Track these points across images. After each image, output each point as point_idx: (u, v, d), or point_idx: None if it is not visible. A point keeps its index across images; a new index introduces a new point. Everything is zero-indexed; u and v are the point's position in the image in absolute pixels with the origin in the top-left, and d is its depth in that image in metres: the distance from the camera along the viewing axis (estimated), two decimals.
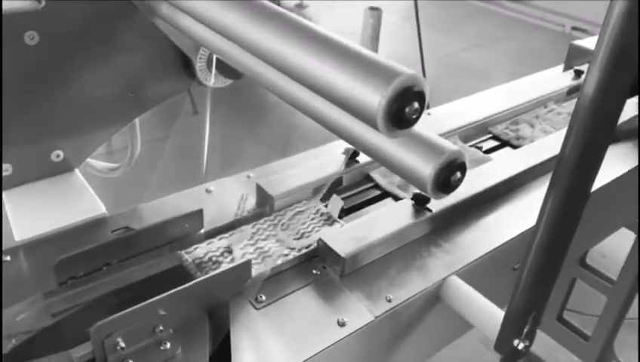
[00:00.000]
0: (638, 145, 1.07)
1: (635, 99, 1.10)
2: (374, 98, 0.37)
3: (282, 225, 0.77)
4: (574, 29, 4.87)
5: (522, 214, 0.85)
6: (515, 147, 1.04)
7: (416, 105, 0.38)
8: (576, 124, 0.48)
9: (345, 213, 0.83)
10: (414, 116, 0.39)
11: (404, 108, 0.38)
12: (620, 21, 0.45)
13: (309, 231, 0.76)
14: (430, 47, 4.29)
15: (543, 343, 1.87)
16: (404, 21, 4.46)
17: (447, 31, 4.85)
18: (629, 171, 1.00)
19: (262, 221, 0.78)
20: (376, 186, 0.90)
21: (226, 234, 0.75)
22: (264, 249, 0.73)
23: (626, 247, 1.66)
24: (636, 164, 1.02)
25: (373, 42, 3.01)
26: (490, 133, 1.08)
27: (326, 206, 0.81)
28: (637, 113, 1.11)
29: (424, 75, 2.22)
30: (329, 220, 0.78)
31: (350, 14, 4.68)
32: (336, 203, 0.81)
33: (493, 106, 1.13)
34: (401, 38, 4.16)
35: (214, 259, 0.72)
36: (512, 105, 1.14)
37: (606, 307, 1.73)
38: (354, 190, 0.89)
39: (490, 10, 5.39)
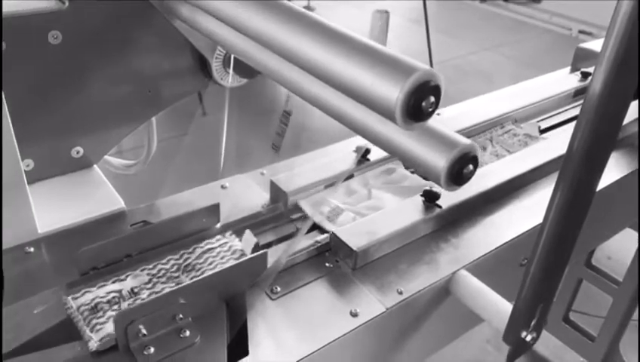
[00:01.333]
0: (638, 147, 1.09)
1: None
2: (393, 92, 0.40)
3: (187, 266, 0.70)
4: (581, 32, 4.88)
5: (529, 212, 0.87)
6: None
7: (432, 99, 0.41)
8: (583, 124, 0.49)
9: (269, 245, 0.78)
10: (430, 109, 0.41)
11: (421, 101, 0.40)
12: (626, 23, 0.46)
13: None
14: (437, 50, 4.31)
15: (549, 344, 1.88)
16: (411, 23, 4.49)
17: (454, 34, 4.87)
18: (633, 172, 1.01)
19: (165, 260, 0.70)
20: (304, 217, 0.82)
21: (122, 276, 0.68)
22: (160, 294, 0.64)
23: (633, 249, 1.67)
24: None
25: (380, 44, 3.02)
26: None
27: (240, 241, 0.74)
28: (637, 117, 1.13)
29: None
30: (240, 259, 0.70)
31: (357, 16, 4.71)
32: (249, 240, 0.73)
33: (500, 108, 1.14)
34: (408, 40, 4.18)
35: (100, 306, 0.64)
36: (518, 106, 1.16)
37: (612, 308, 1.74)
38: (279, 221, 0.82)
39: (498, 13, 5.41)
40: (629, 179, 1.00)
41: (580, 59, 1.36)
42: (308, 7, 5.05)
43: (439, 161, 0.46)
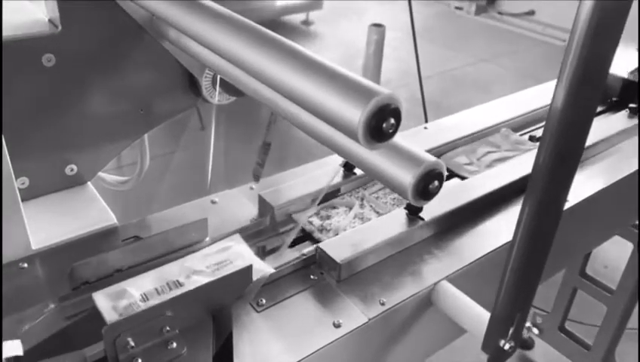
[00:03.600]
0: (638, 151, 1.11)
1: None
2: (355, 115, 0.42)
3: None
4: None
5: (510, 223, 0.88)
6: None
7: (392, 120, 0.43)
8: (546, 140, 0.51)
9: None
10: (391, 130, 0.43)
11: (382, 123, 0.43)
12: (585, 36, 0.48)
13: None
14: (436, 62, 4.36)
15: (545, 353, 1.89)
16: (409, 36, 4.53)
17: (452, 46, 4.92)
18: (621, 179, 1.03)
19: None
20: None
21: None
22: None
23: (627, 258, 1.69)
24: (630, 172, 1.05)
25: (377, 58, 3.06)
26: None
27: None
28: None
29: (422, 88, 2.27)
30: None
31: (355, 30, 4.76)
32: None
33: (490, 119, 1.17)
34: (405, 53, 4.22)
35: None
36: (509, 117, 1.19)
37: (606, 316, 1.75)
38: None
39: (494, 26, 5.45)
40: (615, 187, 1.02)
41: None
42: (306, 21, 5.11)
43: (405, 178, 0.48)
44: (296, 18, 5.14)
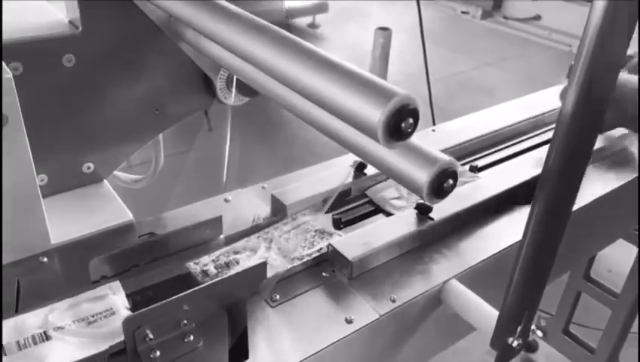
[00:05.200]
0: (638, 158, 1.13)
1: None
2: (375, 114, 0.44)
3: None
4: None
5: (519, 224, 0.90)
6: None
7: (410, 120, 0.45)
8: (556, 143, 0.53)
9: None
10: (409, 130, 0.45)
11: (400, 123, 0.45)
12: (594, 44, 0.50)
13: None
14: (441, 66, 4.37)
15: (549, 355, 1.90)
16: (414, 39, 4.54)
17: (458, 50, 4.94)
18: (626, 183, 1.05)
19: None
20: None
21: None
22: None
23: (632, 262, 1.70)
24: (632, 177, 1.07)
25: (383, 61, 3.09)
26: None
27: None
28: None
29: (429, 91, 2.29)
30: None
31: (360, 32, 4.78)
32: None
33: (497, 123, 1.19)
34: (410, 56, 4.24)
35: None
36: (514, 121, 1.20)
37: (610, 320, 1.76)
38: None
39: (500, 30, 5.47)
40: (621, 190, 1.04)
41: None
42: (313, 25, 5.14)
43: (421, 176, 0.50)
44: (303, 21, 5.18)
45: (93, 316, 0.66)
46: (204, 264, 0.77)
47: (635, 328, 1.78)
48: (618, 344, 1.76)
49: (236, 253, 0.80)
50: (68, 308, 0.66)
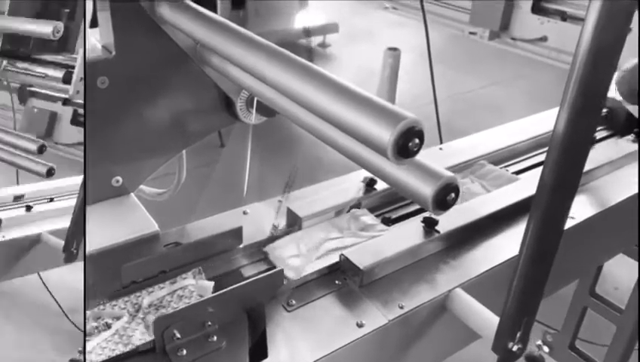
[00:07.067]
0: (638, 174, 1.17)
1: None
2: (386, 135, 0.50)
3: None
4: None
5: (519, 238, 0.95)
6: None
7: (417, 140, 0.51)
8: (550, 160, 0.58)
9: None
10: (415, 149, 0.52)
11: (408, 142, 0.51)
12: (584, 65, 0.54)
13: None
14: (449, 85, 4.44)
15: None
16: (421, 59, 4.62)
17: (466, 70, 5.01)
18: (627, 199, 1.10)
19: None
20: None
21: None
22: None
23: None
24: (633, 192, 1.12)
25: (392, 81, 3.15)
26: None
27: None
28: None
29: (437, 112, 2.36)
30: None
31: (370, 52, 4.86)
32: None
33: (500, 142, 1.24)
34: (419, 76, 4.31)
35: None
36: (517, 140, 1.26)
37: (615, 336, 1.79)
38: None
39: (506, 50, 5.54)
40: (624, 204, 1.09)
41: None
42: (323, 44, 5.24)
43: (427, 190, 0.56)
44: (314, 41, 5.28)
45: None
46: None
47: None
48: (623, 360, 1.79)
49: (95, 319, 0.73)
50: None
